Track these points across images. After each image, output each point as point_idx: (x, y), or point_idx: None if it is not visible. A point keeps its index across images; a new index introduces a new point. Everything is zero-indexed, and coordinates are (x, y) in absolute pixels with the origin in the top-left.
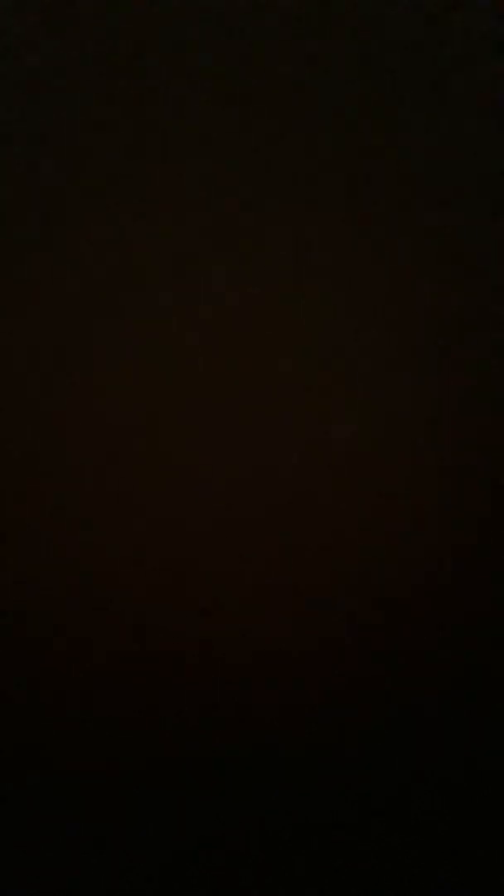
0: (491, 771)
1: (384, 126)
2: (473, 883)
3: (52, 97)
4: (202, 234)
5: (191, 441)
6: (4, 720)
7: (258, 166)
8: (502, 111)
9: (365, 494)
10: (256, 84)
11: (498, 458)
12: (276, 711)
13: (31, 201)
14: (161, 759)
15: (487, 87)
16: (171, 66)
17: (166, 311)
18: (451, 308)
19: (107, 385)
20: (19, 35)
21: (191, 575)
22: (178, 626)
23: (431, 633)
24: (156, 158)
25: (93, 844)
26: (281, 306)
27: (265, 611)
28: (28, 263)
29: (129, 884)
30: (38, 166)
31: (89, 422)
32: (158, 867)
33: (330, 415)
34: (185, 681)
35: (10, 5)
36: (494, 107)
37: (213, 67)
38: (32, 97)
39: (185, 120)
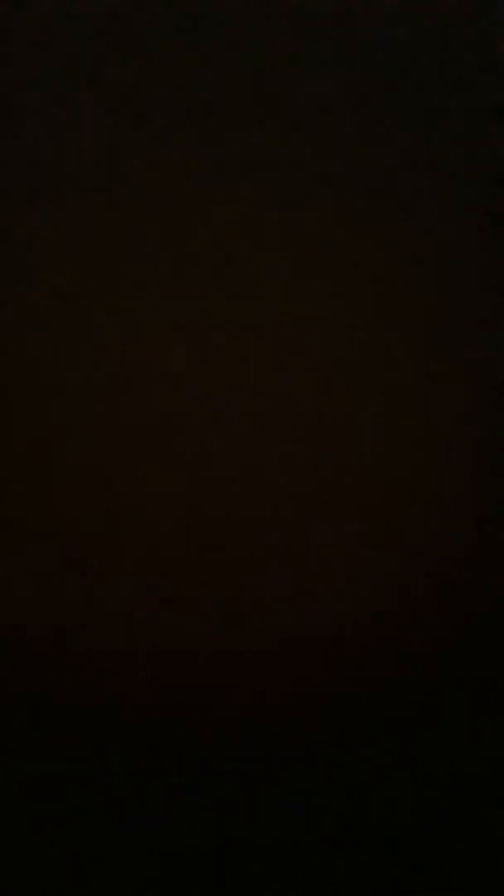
0: (491, 768)
1: (383, 129)
2: (473, 881)
3: (51, 98)
4: (201, 237)
5: (191, 441)
6: (4, 716)
7: (258, 170)
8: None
9: (365, 494)
10: (256, 90)
11: (498, 457)
12: (276, 710)
13: (26, 206)
14: (160, 756)
15: (485, 92)
16: (168, 69)
17: (167, 312)
18: (450, 313)
19: (107, 386)
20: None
21: (191, 573)
22: (179, 624)
23: (431, 627)
24: (154, 163)
25: (93, 839)
26: (281, 309)
27: (266, 607)
28: (29, 265)
29: (129, 881)
30: (36, 168)
31: (89, 422)
32: (159, 863)
33: (330, 416)
34: (184, 679)
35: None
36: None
37: (212, 72)
38: (29, 98)
39: (184, 123)
